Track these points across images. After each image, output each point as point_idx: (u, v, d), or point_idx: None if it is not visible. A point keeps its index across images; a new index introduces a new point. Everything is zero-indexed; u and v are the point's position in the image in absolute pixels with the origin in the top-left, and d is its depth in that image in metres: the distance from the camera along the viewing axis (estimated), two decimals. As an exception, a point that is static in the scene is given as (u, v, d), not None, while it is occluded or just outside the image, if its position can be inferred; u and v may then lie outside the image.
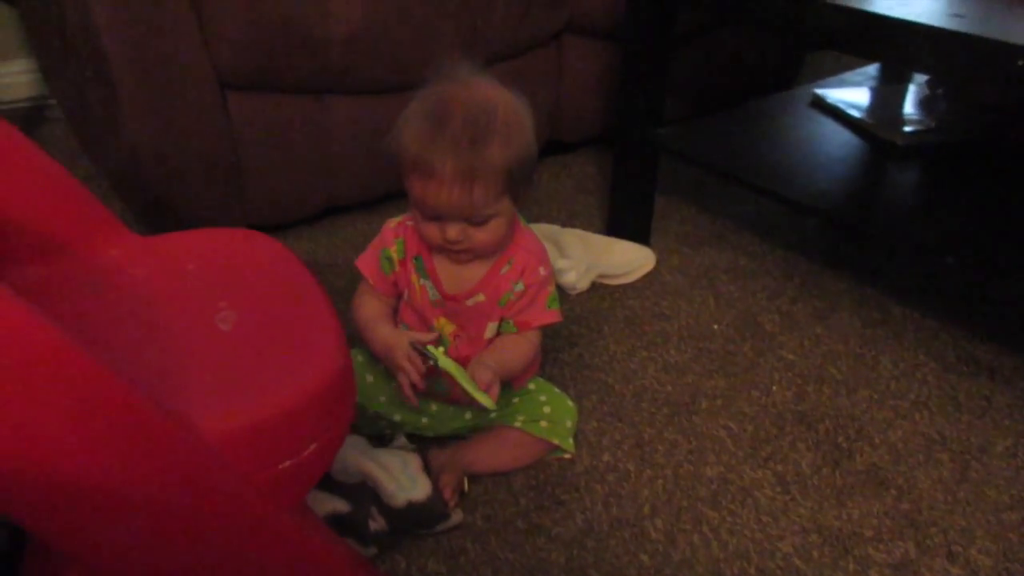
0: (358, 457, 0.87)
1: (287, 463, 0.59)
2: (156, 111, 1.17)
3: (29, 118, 1.79)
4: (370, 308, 0.95)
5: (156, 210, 1.26)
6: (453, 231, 0.84)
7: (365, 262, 0.96)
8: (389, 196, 1.48)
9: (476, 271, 0.91)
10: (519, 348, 0.93)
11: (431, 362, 0.86)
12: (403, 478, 0.87)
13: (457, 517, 0.88)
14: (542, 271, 0.92)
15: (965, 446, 1.01)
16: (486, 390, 0.85)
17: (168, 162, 1.21)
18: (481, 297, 0.92)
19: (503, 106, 0.83)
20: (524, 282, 0.91)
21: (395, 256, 0.93)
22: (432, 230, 0.86)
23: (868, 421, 1.05)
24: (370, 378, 0.98)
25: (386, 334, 0.91)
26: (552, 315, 0.93)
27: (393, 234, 0.93)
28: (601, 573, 0.85)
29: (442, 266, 0.92)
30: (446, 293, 0.92)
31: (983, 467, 0.98)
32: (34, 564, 0.70)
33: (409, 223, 0.92)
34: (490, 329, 0.94)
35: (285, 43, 1.19)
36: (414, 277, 0.93)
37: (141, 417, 0.50)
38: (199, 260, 0.75)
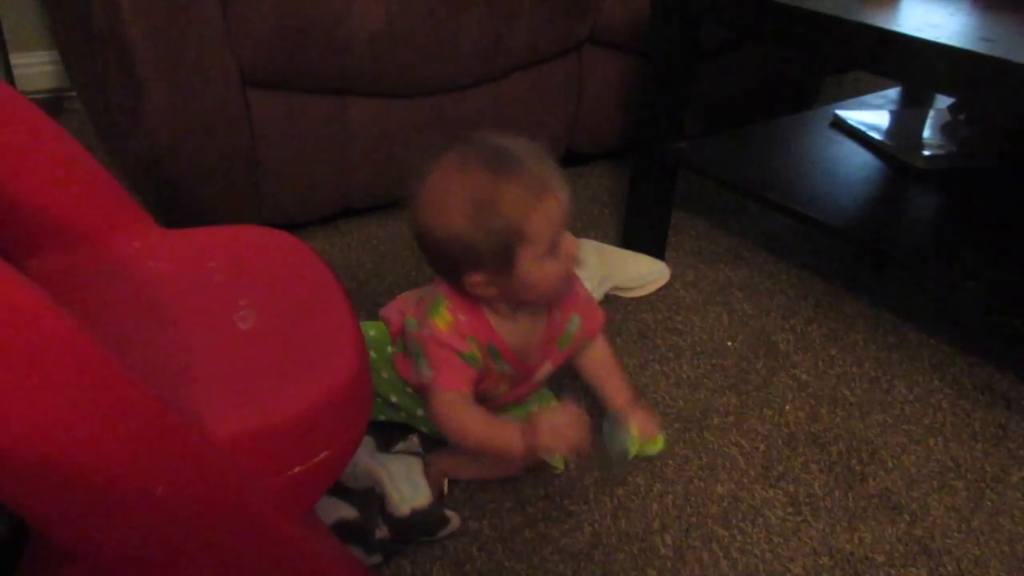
0: (368, 461, 0.87)
1: (297, 469, 0.58)
2: (177, 106, 1.17)
3: (49, 109, 1.79)
4: (479, 414, 0.84)
5: (172, 204, 1.26)
6: (575, 243, 0.81)
7: (451, 377, 0.83)
8: (403, 202, 1.47)
9: (537, 328, 0.89)
10: (616, 359, 0.96)
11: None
12: (405, 486, 0.86)
13: (456, 521, 0.87)
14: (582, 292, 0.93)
15: (980, 474, 1.00)
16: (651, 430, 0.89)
17: (187, 157, 1.21)
18: (548, 367, 0.92)
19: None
20: (577, 314, 0.91)
21: (477, 353, 0.84)
22: (556, 267, 0.80)
23: (882, 445, 1.04)
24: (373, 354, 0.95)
25: (514, 425, 0.82)
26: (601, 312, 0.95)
27: (456, 337, 0.83)
28: (608, 587, 0.84)
29: (511, 341, 0.86)
30: (524, 366, 0.89)
31: (998, 496, 0.97)
32: (35, 556, 0.69)
33: (461, 316, 0.84)
34: (544, 369, 0.92)
35: (308, 42, 1.19)
36: (492, 364, 0.86)
37: (148, 412, 0.49)
38: (223, 256, 0.74)
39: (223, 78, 1.18)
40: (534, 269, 0.79)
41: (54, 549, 0.64)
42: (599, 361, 0.96)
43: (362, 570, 0.79)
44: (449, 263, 0.81)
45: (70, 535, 0.52)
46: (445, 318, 0.83)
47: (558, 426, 0.79)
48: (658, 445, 0.90)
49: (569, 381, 0.98)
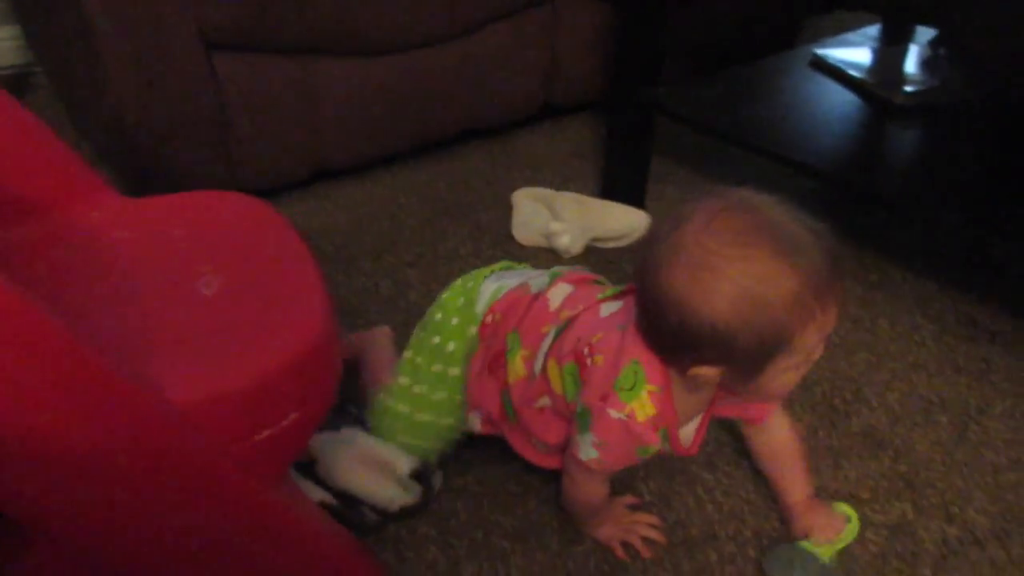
0: (345, 466, 0.83)
1: (266, 432, 0.57)
2: (140, 72, 1.14)
3: (14, 86, 1.76)
4: (601, 489, 0.82)
5: (142, 174, 1.23)
6: (823, 348, 0.70)
7: (611, 466, 0.77)
8: (379, 162, 1.46)
9: (702, 405, 0.77)
10: (799, 445, 0.84)
11: None
12: (392, 489, 0.83)
13: (438, 480, 0.87)
14: None
15: (963, 408, 1.00)
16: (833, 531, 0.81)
17: (153, 125, 1.19)
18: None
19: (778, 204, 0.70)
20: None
21: (657, 447, 0.74)
22: (799, 375, 0.70)
23: (865, 383, 1.04)
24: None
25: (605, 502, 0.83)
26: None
27: (651, 430, 0.71)
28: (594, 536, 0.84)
29: (681, 420, 0.76)
30: (682, 448, 0.77)
31: (981, 429, 0.98)
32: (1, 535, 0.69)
33: (660, 404, 0.71)
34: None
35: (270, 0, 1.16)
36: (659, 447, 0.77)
37: (100, 380, 0.48)
38: (186, 223, 0.73)
39: (185, 42, 1.15)
40: (780, 377, 0.68)
41: (18, 528, 0.63)
42: (778, 447, 0.84)
43: (349, 539, 0.78)
44: (682, 346, 0.67)
45: (33, 512, 0.51)
46: (647, 409, 0.70)
47: (627, 526, 0.83)
48: (851, 535, 0.82)
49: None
